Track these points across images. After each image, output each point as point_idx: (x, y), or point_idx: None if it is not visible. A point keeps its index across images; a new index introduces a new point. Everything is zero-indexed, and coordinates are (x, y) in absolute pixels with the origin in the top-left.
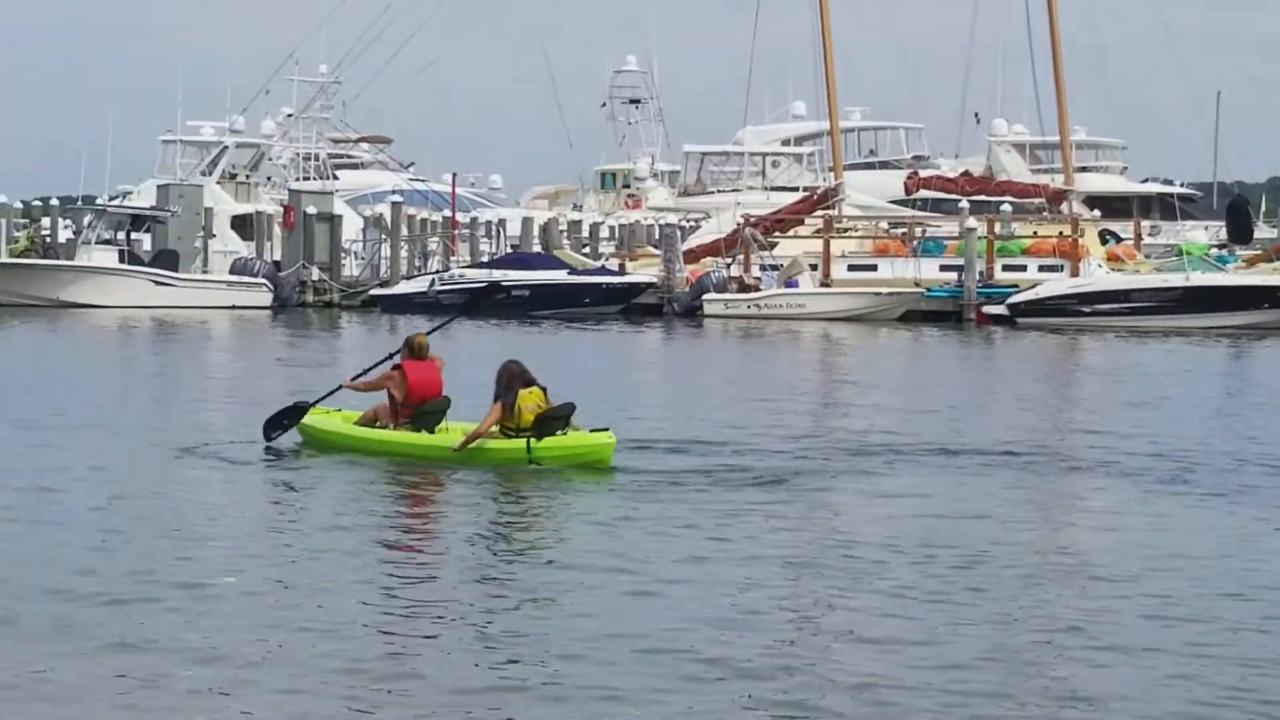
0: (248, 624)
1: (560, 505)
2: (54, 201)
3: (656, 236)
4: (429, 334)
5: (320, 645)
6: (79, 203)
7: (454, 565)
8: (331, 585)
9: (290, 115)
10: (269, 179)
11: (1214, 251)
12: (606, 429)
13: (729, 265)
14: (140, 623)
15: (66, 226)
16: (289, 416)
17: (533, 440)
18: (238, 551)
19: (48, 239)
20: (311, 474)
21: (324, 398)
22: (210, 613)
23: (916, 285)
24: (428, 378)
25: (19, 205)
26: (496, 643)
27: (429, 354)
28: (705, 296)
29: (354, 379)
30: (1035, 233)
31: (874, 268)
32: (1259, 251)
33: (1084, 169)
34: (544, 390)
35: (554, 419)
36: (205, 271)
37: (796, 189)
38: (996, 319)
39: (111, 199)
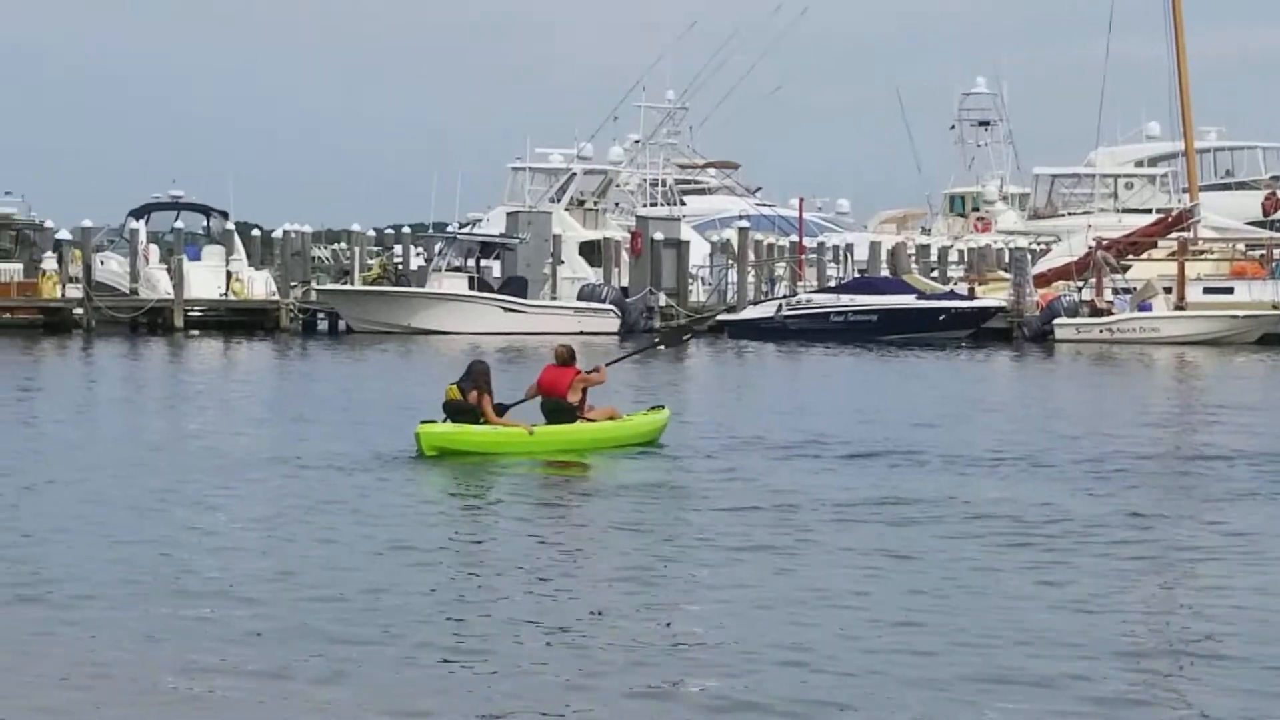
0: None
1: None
2: (405, 229)
3: (1006, 260)
4: (614, 362)
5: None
6: (430, 230)
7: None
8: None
9: (637, 141)
10: (616, 205)
11: None
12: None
13: (1080, 289)
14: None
15: (418, 254)
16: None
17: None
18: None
19: (399, 266)
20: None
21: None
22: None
23: (1275, 308)
24: (551, 379)
25: (372, 233)
26: None
27: (566, 362)
28: (1056, 321)
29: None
30: None
31: (1230, 290)
32: None
33: None
34: (460, 389)
35: (453, 411)
36: (554, 298)
37: (1150, 211)
38: None
39: (461, 226)
